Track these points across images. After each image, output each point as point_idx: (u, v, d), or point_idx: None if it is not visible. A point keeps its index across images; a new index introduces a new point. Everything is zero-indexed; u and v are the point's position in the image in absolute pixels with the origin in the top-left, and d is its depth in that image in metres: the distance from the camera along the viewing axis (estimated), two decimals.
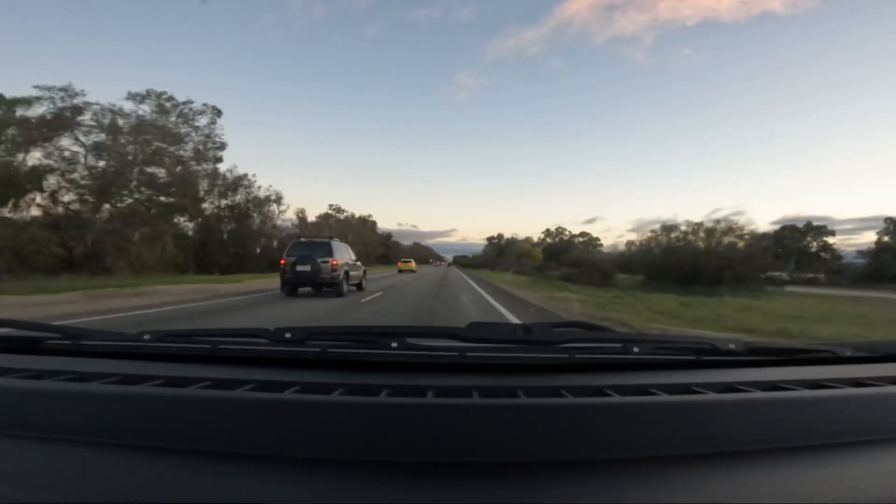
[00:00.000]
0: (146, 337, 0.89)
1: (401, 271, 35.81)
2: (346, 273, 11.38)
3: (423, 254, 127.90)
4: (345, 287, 11.19)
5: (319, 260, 10.64)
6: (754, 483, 0.54)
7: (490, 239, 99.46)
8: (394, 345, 0.81)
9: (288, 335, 0.84)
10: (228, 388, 0.67)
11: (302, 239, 12.10)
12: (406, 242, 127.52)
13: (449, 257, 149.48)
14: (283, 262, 10.95)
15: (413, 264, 41.05)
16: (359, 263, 13.57)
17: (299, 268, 10.61)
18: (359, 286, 13.27)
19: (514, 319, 7.74)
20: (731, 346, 0.86)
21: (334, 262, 10.82)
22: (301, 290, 11.56)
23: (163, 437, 0.59)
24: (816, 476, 0.57)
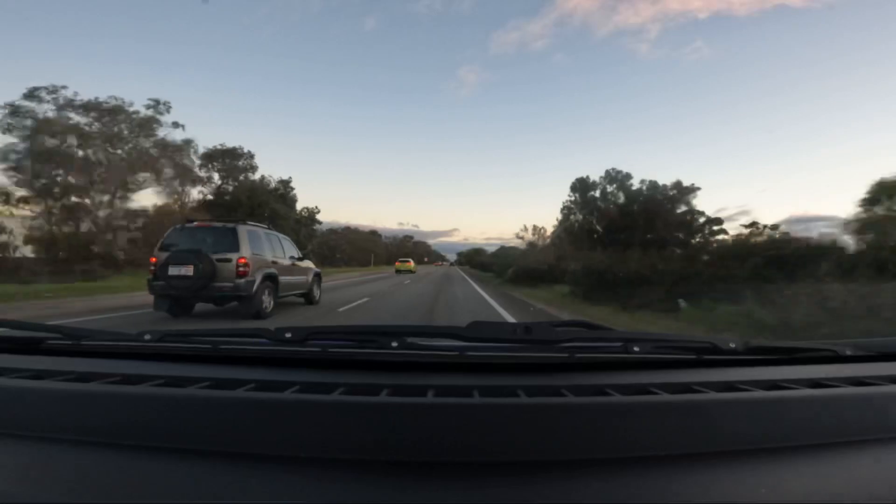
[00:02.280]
0: (147, 337, 0.89)
1: (398, 271, 35.78)
2: (270, 279, 7.20)
3: (416, 252, 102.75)
4: (265, 302, 7.03)
5: (215, 258, 6.48)
6: (755, 482, 0.54)
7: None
8: (394, 344, 0.81)
9: (288, 335, 0.84)
10: (229, 387, 0.67)
11: (189, 223, 7.36)
12: (390, 238, 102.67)
13: (452, 256, 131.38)
14: (153, 259, 6.77)
15: (412, 264, 40.83)
16: (307, 264, 9.09)
17: (173, 270, 6.41)
18: (308, 298, 9.05)
19: None
20: (732, 345, 0.86)
21: (241, 261, 6.58)
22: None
23: (163, 437, 0.59)
24: (817, 475, 0.57)
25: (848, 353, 0.91)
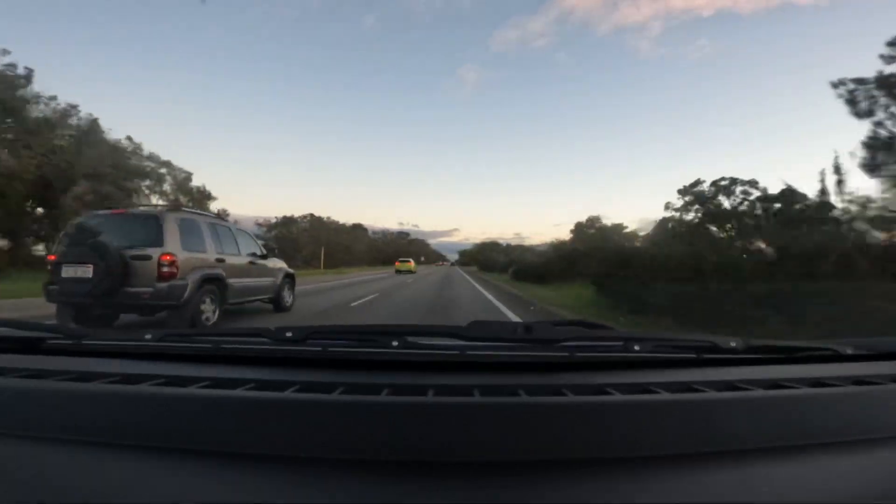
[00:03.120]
0: (147, 336, 0.89)
1: (398, 272, 35.32)
2: (213, 282, 5.67)
3: (413, 251, 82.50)
4: (205, 311, 5.53)
5: (130, 254, 5.00)
6: (756, 481, 0.54)
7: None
8: (394, 343, 0.81)
9: (289, 334, 0.84)
10: (229, 387, 0.67)
11: (102, 210, 5.87)
12: (379, 234, 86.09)
13: (453, 256, 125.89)
14: (51, 257, 5.47)
15: (412, 264, 40.39)
16: (275, 264, 7.60)
17: (67, 271, 5.00)
18: (276, 304, 7.47)
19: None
20: (733, 344, 0.86)
21: (165, 259, 5.06)
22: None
23: (163, 437, 0.59)
24: (818, 474, 0.57)
25: (849, 352, 0.91)
